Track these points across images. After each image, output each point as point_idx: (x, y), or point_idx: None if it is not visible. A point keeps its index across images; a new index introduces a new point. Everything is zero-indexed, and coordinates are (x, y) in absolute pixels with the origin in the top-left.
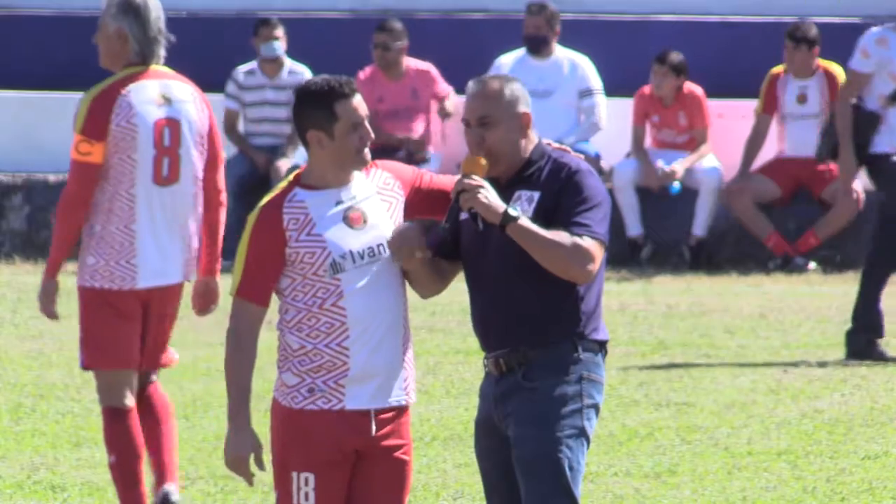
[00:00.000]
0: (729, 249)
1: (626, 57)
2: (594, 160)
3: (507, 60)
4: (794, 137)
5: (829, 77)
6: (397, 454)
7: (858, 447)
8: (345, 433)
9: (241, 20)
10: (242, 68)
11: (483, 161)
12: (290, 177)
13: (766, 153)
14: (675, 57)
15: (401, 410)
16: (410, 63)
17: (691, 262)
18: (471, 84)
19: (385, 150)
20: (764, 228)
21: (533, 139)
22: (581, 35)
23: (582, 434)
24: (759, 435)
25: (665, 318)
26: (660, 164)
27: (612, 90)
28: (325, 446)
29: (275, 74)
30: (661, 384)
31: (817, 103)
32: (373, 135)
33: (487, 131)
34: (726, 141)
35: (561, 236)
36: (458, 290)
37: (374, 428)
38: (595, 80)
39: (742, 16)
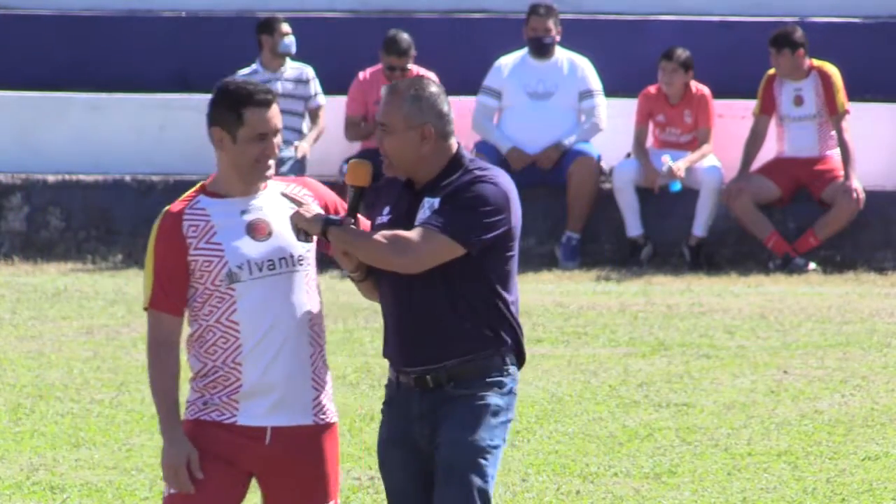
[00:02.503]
0: (729, 250)
1: (626, 57)
2: (595, 160)
3: (508, 61)
4: (792, 138)
5: (824, 77)
6: (306, 471)
7: (858, 448)
8: (236, 448)
9: (240, 20)
10: (243, 72)
11: (369, 166)
12: (198, 185)
13: (766, 153)
14: (682, 53)
15: (317, 430)
16: (414, 69)
17: (691, 262)
18: (383, 87)
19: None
20: (764, 229)
21: (449, 147)
22: (580, 35)
23: (502, 444)
24: (759, 435)
25: (665, 318)
26: (665, 158)
27: (611, 91)
28: (207, 446)
29: (278, 69)
30: (660, 385)
31: (813, 104)
32: (277, 152)
33: (386, 137)
34: (726, 141)
35: (381, 233)
36: None
37: (268, 444)
38: (595, 81)
39: (742, 16)
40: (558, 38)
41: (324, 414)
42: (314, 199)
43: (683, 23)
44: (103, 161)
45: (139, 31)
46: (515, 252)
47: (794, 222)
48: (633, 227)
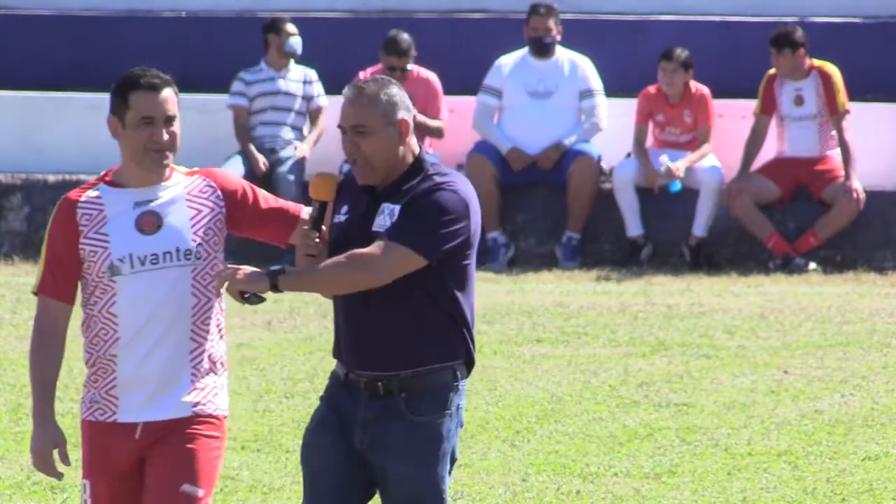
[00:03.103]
0: (729, 250)
1: (626, 57)
2: (595, 160)
3: (508, 60)
4: (793, 138)
5: (824, 77)
6: (176, 455)
7: (859, 448)
8: (115, 444)
9: (241, 20)
10: (248, 71)
11: (333, 181)
12: (102, 172)
13: (766, 153)
14: (682, 53)
15: (193, 421)
16: (414, 69)
17: (691, 262)
18: (347, 89)
19: None
20: (764, 229)
21: (413, 147)
22: (580, 35)
23: (455, 462)
24: (759, 435)
25: (665, 318)
26: (663, 159)
27: (611, 90)
28: (99, 456)
29: (283, 69)
30: (660, 385)
31: (814, 104)
32: (166, 138)
33: (363, 140)
34: (726, 141)
35: (336, 258)
36: None
37: (140, 438)
38: (595, 81)
39: (742, 16)
40: (559, 38)
41: (203, 406)
42: (216, 190)
43: (683, 23)
44: (103, 161)
45: (139, 30)
46: (472, 259)
47: (795, 222)
48: (634, 227)
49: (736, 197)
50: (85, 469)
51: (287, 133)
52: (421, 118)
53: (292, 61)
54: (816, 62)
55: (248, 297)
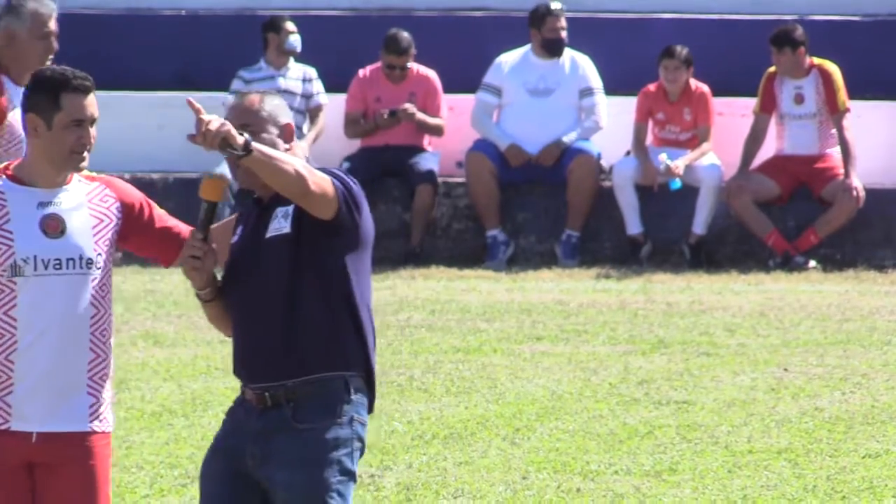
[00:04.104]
0: (729, 248)
1: (626, 56)
2: (594, 158)
3: (508, 58)
4: (792, 136)
5: (824, 75)
6: (75, 475)
7: (859, 445)
8: (8, 447)
9: (240, 18)
10: (247, 69)
11: (222, 182)
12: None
13: (766, 152)
14: (683, 50)
15: (90, 436)
16: (414, 67)
17: (691, 260)
18: (232, 98)
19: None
20: (764, 227)
21: (298, 153)
22: (581, 34)
23: (351, 477)
24: (759, 433)
25: (665, 316)
26: (662, 157)
27: (611, 88)
28: None
29: (282, 67)
30: (661, 382)
31: (814, 103)
32: (93, 141)
33: (254, 139)
34: (726, 139)
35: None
36: (456, 290)
37: (34, 442)
38: (595, 79)
39: (742, 14)
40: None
41: (100, 422)
42: (116, 201)
43: (683, 21)
44: (99, 160)
45: (140, 29)
46: (367, 257)
47: (794, 220)
48: (633, 225)
49: (736, 195)
50: None
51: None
52: (421, 116)
53: (292, 59)
54: (816, 60)
55: (227, 148)
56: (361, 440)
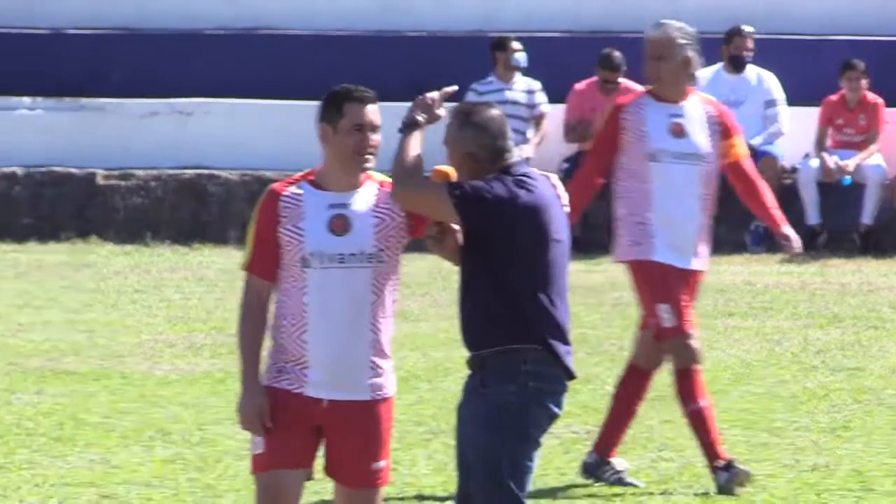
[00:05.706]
0: (892, 236)
1: (805, 71)
2: (777, 160)
3: (704, 74)
4: None
5: None
6: (361, 432)
7: None
8: (301, 409)
9: (472, 39)
10: (478, 83)
11: (448, 173)
12: (306, 171)
13: None
14: (860, 63)
15: (373, 403)
16: (624, 83)
17: (861, 246)
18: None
19: None
20: None
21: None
22: (768, 52)
23: (525, 437)
24: None
25: (839, 295)
26: (834, 159)
27: (792, 100)
28: (285, 416)
29: (510, 81)
30: (835, 352)
31: None
32: (373, 143)
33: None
34: (893, 143)
35: (413, 160)
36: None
37: (325, 408)
38: (778, 92)
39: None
40: (751, 56)
41: (380, 391)
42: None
43: (855, 42)
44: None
45: (387, 48)
46: (525, 251)
47: None
48: (812, 217)
49: None
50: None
51: (514, 138)
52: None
53: (518, 74)
54: None
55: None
56: (542, 405)
